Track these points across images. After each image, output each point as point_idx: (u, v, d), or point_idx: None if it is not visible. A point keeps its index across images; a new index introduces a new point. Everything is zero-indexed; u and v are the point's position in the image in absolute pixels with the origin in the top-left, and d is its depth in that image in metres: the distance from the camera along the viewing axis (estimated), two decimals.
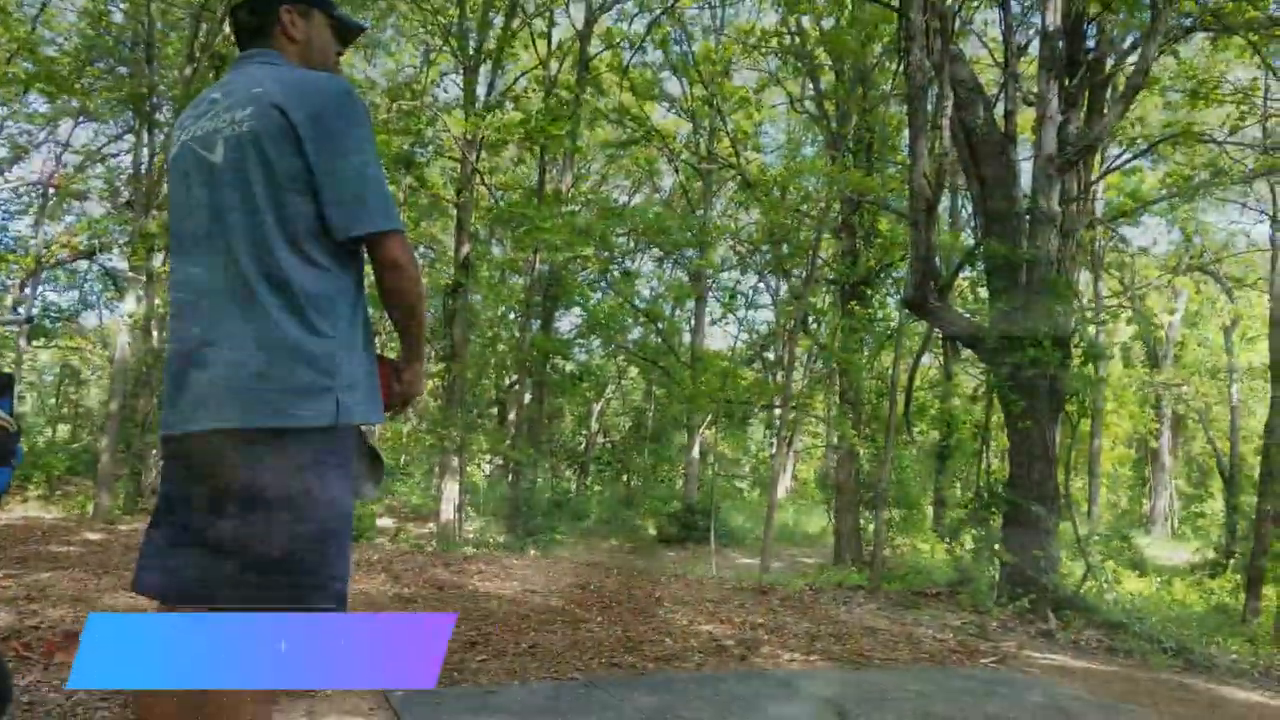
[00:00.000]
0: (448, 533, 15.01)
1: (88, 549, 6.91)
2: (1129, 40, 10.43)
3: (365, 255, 1.89)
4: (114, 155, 18.99)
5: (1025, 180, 8.68)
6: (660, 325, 21.86)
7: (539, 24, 16.94)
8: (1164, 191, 14.01)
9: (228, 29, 13.08)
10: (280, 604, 1.69)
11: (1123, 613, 6.78)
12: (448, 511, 15.58)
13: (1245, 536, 13.75)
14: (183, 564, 1.76)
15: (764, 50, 16.78)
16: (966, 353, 13.91)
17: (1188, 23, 8.95)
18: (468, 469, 18.46)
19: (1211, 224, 20.95)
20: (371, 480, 1.95)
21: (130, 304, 14.10)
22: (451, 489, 15.73)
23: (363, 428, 1.90)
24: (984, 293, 8.45)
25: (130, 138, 16.91)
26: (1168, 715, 4.17)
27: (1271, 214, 13.93)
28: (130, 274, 14.34)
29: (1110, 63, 9.06)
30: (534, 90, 17.52)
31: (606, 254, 17.56)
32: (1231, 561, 14.52)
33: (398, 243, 1.81)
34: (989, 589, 7.11)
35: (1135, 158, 12.12)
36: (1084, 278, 18.43)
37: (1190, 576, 15.10)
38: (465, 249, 16.09)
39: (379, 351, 1.97)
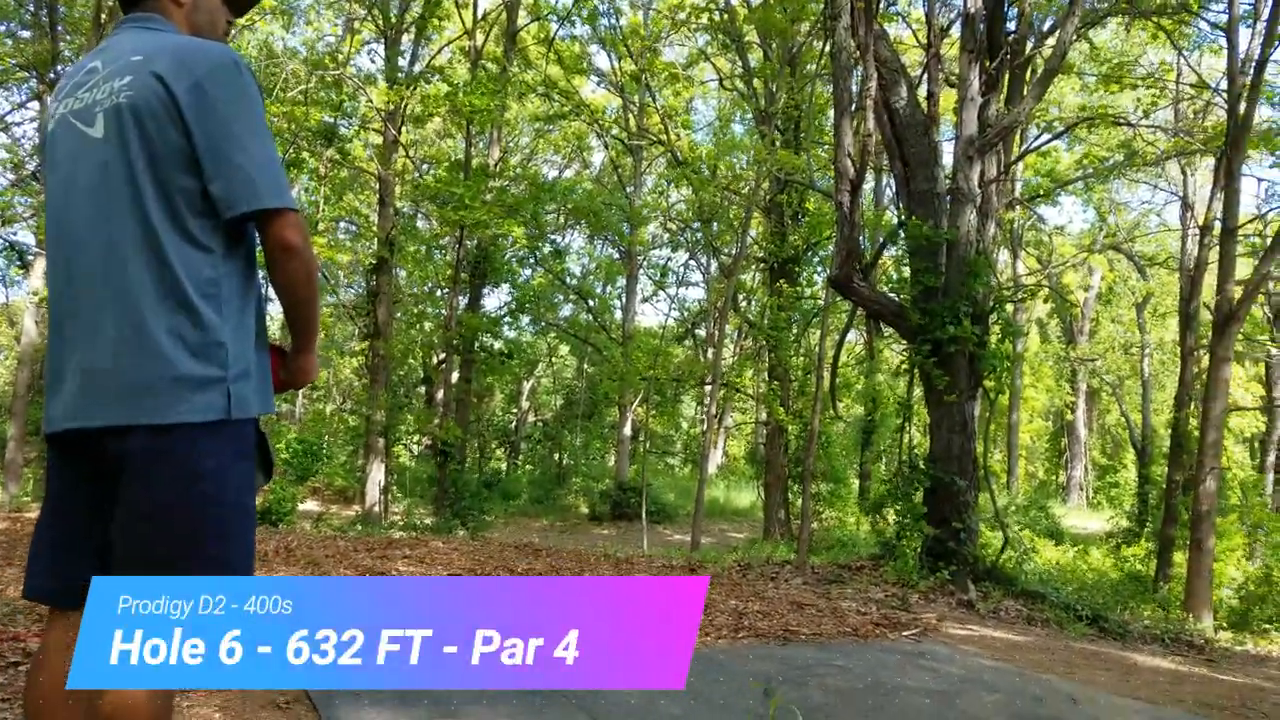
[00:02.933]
0: (373, 516, 14.77)
1: None
2: (1047, 24, 10.70)
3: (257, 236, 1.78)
4: (17, 124, 18.03)
5: (947, 161, 8.84)
6: (591, 303, 21.79)
7: None
8: (1080, 172, 14.44)
9: None
10: None
11: (1040, 582, 7.02)
12: (373, 494, 15.33)
13: (1157, 505, 14.40)
14: (73, 568, 1.67)
15: (693, 26, 16.71)
16: (889, 330, 14.19)
17: (1103, 7, 9.20)
18: (394, 450, 18.17)
19: (1124, 204, 21.75)
20: (262, 471, 1.83)
21: (37, 280, 13.44)
22: (377, 471, 15.47)
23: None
24: (905, 271, 8.59)
25: (35, 105, 16.06)
26: (1082, 683, 4.32)
27: (1182, 194, 14.49)
28: (37, 249, 13.65)
29: (1030, 45, 9.25)
30: (459, 62, 17.15)
31: (536, 231, 17.38)
32: (1144, 530, 15.18)
33: (289, 222, 1.68)
34: (912, 562, 7.27)
35: (1052, 139, 12.46)
36: (1003, 257, 18.97)
37: (1105, 544, 15.74)
38: (389, 224, 15.74)
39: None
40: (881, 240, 8.30)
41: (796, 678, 3.95)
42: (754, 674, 3.97)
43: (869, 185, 16.12)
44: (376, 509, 15.16)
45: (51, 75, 13.42)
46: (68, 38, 14.09)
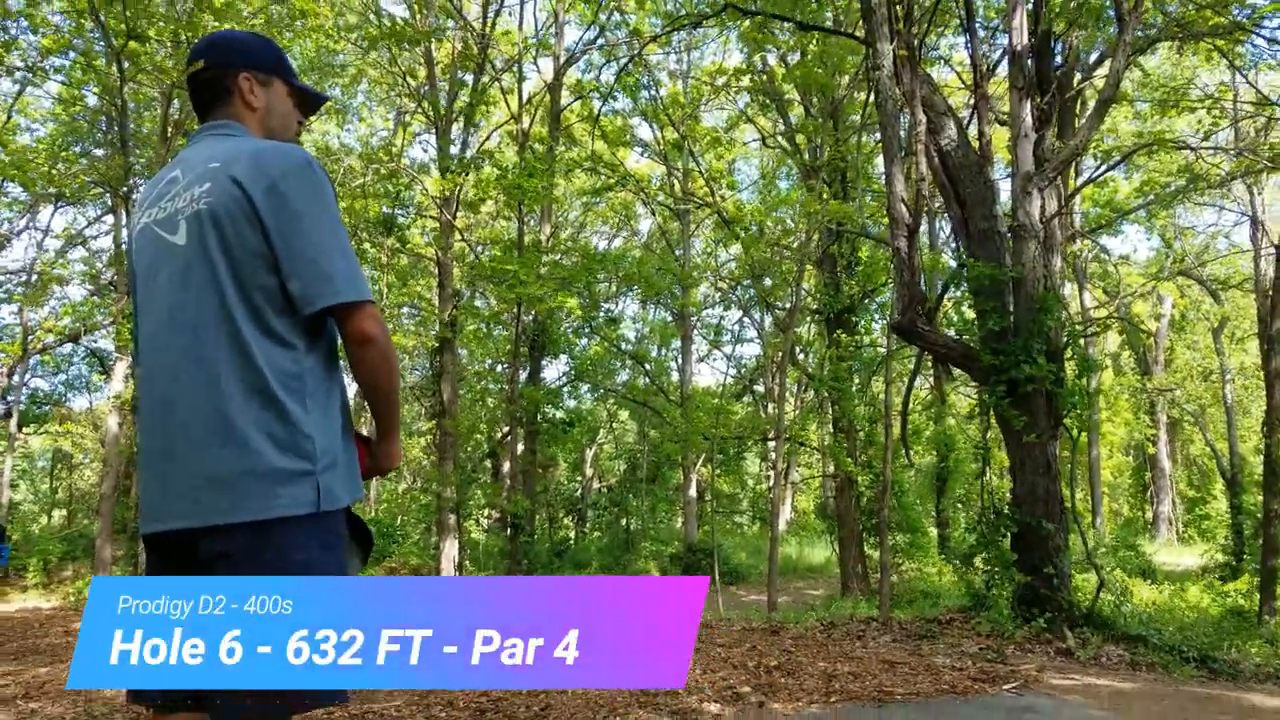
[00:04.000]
0: None
1: None
2: (1093, 56, 10.64)
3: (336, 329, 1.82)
4: (93, 238, 19.00)
5: (1003, 199, 8.75)
6: (647, 366, 21.85)
7: (508, 79, 17.11)
8: (1140, 200, 14.15)
9: None
10: (266, 708, 1.57)
11: (1140, 625, 6.68)
12: (448, 569, 15.37)
13: (1253, 536, 13.68)
14: None
15: (733, 90, 16.99)
16: (957, 374, 13.89)
17: (1153, 33, 9.10)
18: (465, 525, 18.24)
19: (1190, 228, 21.19)
20: (359, 556, 1.88)
21: (118, 384, 13.98)
22: (450, 547, 15.53)
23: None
24: (968, 312, 8.44)
25: (109, 219, 16.90)
26: None
27: (1250, 213, 14.06)
28: (117, 354, 14.22)
29: (1079, 78, 9.18)
30: (507, 145, 17.65)
31: (589, 301, 17.59)
32: (1241, 563, 14.42)
33: (367, 314, 1.72)
34: (1005, 612, 6.99)
35: (1109, 168, 12.25)
36: (1069, 290, 18.57)
37: (1201, 580, 14.98)
38: (449, 306, 16.07)
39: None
40: (943, 283, 8.18)
41: None
42: None
43: (921, 229, 16.01)
44: None
45: (124, 189, 14.14)
46: (137, 150, 14.83)
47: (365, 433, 1.93)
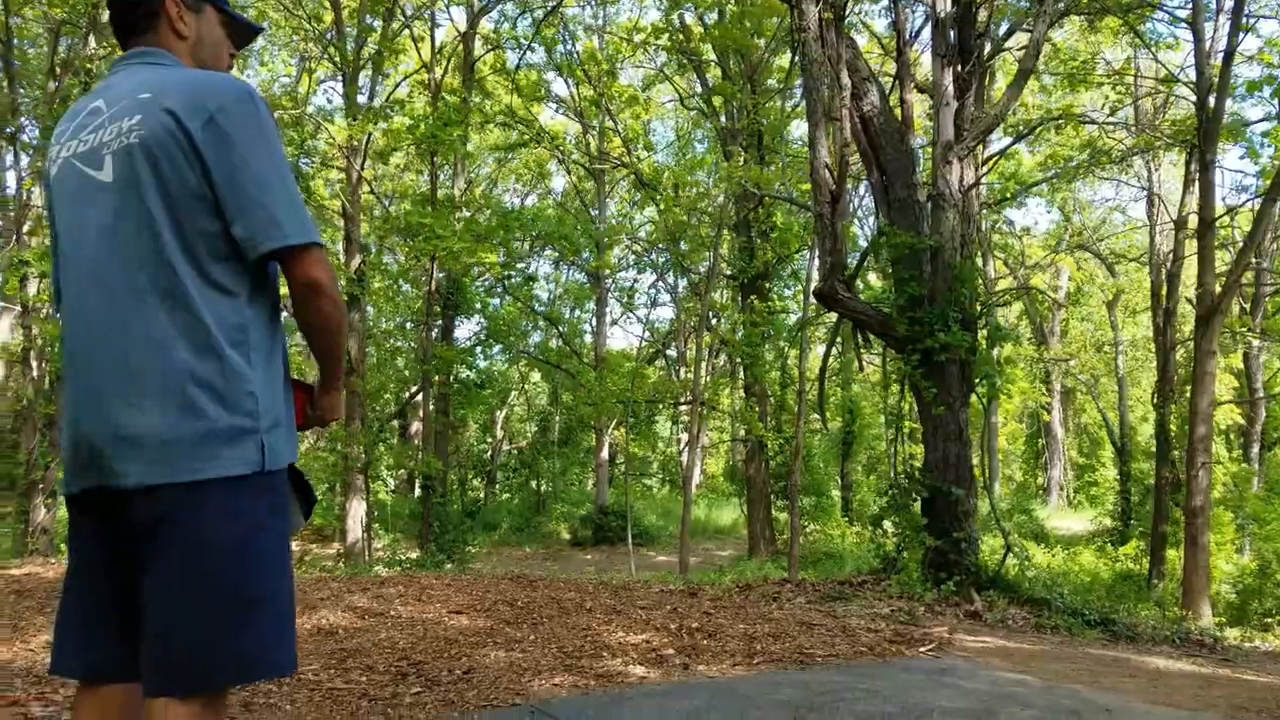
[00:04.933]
0: (355, 553, 14.43)
1: None
2: (1004, 28, 10.80)
3: (279, 275, 1.68)
4: None
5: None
6: (561, 328, 21.64)
7: (419, 26, 16.44)
8: (1045, 173, 14.58)
9: (93, 43, 12.24)
10: (209, 675, 1.49)
11: (1044, 588, 6.93)
12: (355, 531, 14.99)
13: (1140, 502, 14.46)
14: (100, 641, 1.58)
15: (649, 47, 16.74)
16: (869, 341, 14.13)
17: (1060, 8, 9.27)
18: (373, 485, 17.82)
19: (1089, 203, 22.03)
20: (301, 513, 1.78)
21: (4, 334, 13.05)
22: (357, 508, 15.15)
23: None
24: (875, 281, 8.53)
25: None
26: (1112, 692, 4.21)
27: (1148, 189, 14.66)
28: (3, 303, 13.26)
29: (987, 49, 9.29)
30: (419, 94, 17.01)
31: (505, 259, 17.23)
32: (1128, 528, 15.24)
33: (314, 258, 1.60)
34: (915, 575, 7.16)
35: (1017, 140, 12.56)
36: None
37: (1091, 544, 15.79)
38: (356, 260, 15.50)
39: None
40: (864, 250, 8.23)
41: (826, 704, 3.80)
42: (781, 703, 3.81)
43: None
44: (359, 546, 14.82)
45: (10, 129, 13.16)
46: (23, 89, 13.80)
47: (309, 381, 1.82)
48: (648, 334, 24.35)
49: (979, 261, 19.71)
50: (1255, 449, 14.17)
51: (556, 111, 21.59)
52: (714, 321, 19.72)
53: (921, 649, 5.14)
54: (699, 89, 17.84)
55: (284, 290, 1.68)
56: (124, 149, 1.55)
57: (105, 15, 10.48)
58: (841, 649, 5.08)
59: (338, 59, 15.62)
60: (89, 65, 12.34)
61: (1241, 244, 10.06)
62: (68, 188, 1.62)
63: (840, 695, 3.97)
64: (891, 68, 11.29)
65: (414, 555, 14.95)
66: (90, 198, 1.58)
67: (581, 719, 3.52)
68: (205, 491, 1.50)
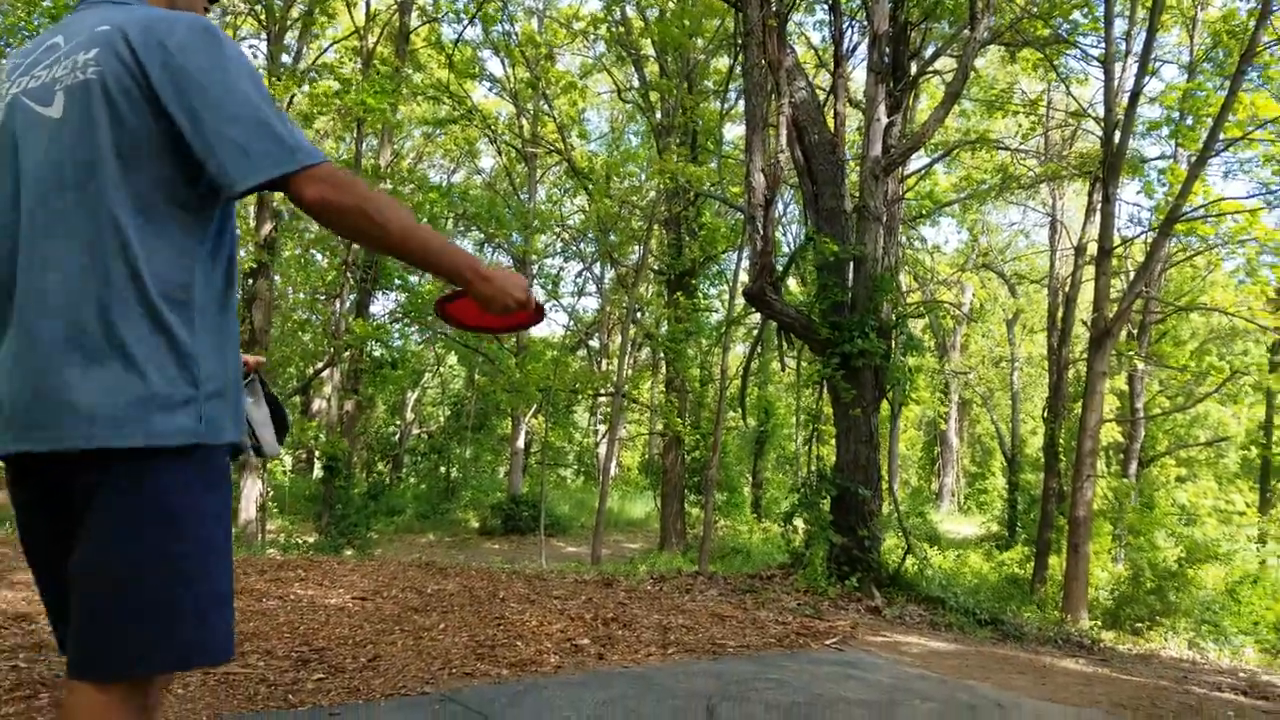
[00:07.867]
0: (248, 535, 14.01)
1: None
2: (929, 50, 11.20)
3: (232, 226, 1.58)
4: None
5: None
6: None
7: None
8: (959, 194, 15.17)
9: None
10: (134, 660, 1.39)
11: (940, 588, 7.25)
12: (249, 511, 14.53)
13: (1026, 511, 15.22)
14: (56, 617, 1.54)
15: (589, 36, 16.71)
16: (788, 344, 14.44)
17: (986, 36, 9.66)
18: (270, 465, 17.31)
19: (997, 225, 23.01)
20: (278, 432, 1.71)
21: None
22: (253, 487, 14.67)
23: (263, 377, 1.61)
24: (792, 284, 8.76)
25: None
26: (1003, 688, 4.46)
27: (1052, 215, 15.42)
28: None
29: (914, 69, 9.63)
30: (348, 61, 16.59)
31: None
32: (1014, 534, 16.01)
33: (309, 178, 1.44)
34: (821, 570, 7.40)
35: (936, 160, 13.02)
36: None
37: (980, 548, 16.52)
38: (267, 227, 15.05)
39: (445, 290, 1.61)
40: (792, 254, 8.44)
41: (737, 694, 3.92)
42: (695, 692, 3.92)
43: None
44: (252, 527, 14.37)
45: None
46: None
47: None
48: (572, 323, 24.31)
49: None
50: (1133, 465, 15.11)
51: (490, 90, 21.33)
52: (639, 315, 19.86)
53: (827, 641, 5.34)
54: (636, 83, 17.89)
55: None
56: (79, 84, 1.44)
57: None
58: (752, 640, 5.23)
59: (264, 16, 15.11)
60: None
61: (1135, 273, 10.68)
62: (12, 128, 1.50)
63: (751, 685, 4.11)
64: (824, 80, 11.58)
65: (311, 539, 14.61)
66: (35, 137, 1.47)
67: (495, 709, 3.49)
68: (136, 463, 1.39)
